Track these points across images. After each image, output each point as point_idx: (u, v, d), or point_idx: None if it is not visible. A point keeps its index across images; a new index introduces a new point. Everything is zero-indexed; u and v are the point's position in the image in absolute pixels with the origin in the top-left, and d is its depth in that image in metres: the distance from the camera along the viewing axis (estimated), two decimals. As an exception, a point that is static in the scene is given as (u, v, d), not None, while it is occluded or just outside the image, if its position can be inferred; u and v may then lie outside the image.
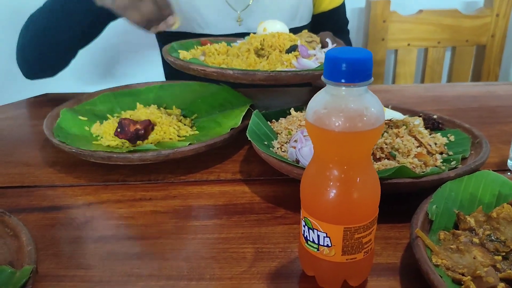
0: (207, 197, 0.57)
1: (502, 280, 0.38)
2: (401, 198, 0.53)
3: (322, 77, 0.36)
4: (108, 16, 0.95)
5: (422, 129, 0.63)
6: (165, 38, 1.04)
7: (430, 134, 0.64)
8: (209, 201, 0.57)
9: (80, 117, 0.73)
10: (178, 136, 0.70)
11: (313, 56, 0.77)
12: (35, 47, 0.96)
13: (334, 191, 0.37)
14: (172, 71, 0.75)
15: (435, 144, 0.61)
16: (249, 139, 0.60)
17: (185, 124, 0.74)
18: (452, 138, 0.64)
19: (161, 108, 0.78)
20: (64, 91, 1.02)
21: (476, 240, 0.44)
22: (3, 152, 0.71)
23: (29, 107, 0.92)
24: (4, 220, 0.46)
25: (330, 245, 0.38)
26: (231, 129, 0.66)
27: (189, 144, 0.62)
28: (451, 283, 0.39)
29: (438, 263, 0.41)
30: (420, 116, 0.68)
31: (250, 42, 0.79)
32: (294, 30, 0.90)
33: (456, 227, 0.46)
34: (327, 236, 0.38)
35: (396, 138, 0.58)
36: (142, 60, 1.52)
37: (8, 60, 1.04)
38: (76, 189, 0.60)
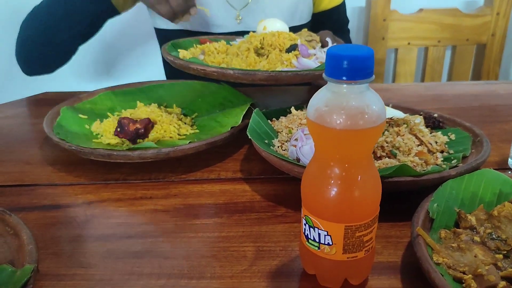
0: (207, 196, 0.57)
1: (503, 278, 0.38)
2: (402, 196, 0.53)
3: (324, 75, 0.35)
4: (108, 13, 0.95)
5: (422, 127, 0.63)
6: (164, 36, 1.04)
7: (430, 133, 0.64)
8: (210, 200, 0.57)
9: (81, 115, 0.73)
10: (179, 134, 0.70)
11: (313, 55, 0.77)
12: (35, 45, 0.96)
13: (335, 189, 0.37)
14: (173, 70, 0.75)
15: (436, 142, 0.61)
16: (249, 137, 0.60)
17: (185, 123, 0.74)
18: (452, 136, 0.64)
19: (162, 107, 0.77)
20: (64, 89, 1.02)
21: (477, 238, 0.43)
22: (3, 151, 0.71)
23: (29, 106, 0.92)
24: (5, 218, 0.46)
25: (331, 243, 0.38)
26: (232, 127, 0.66)
27: (190, 142, 0.62)
28: (452, 281, 0.39)
29: (439, 262, 0.41)
30: (420, 115, 0.68)
31: (249, 41, 0.79)
32: (294, 29, 0.90)
33: (457, 225, 0.46)
34: (328, 235, 0.38)
35: (397, 136, 0.58)
36: (142, 59, 1.51)
37: (8, 59, 1.04)
38: (77, 188, 0.60)
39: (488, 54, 1.49)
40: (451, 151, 0.61)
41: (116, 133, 0.65)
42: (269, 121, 0.68)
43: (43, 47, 0.96)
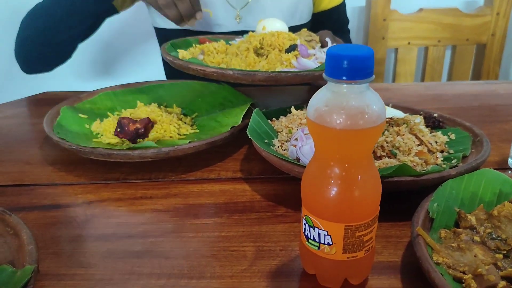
0: (207, 196, 0.57)
1: (503, 278, 0.38)
2: (402, 196, 0.53)
3: (324, 74, 0.35)
4: (108, 13, 0.95)
5: (422, 127, 0.63)
6: (164, 36, 1.04)
7: (430, 133, 0.64)
8: (210, 200, 0.57)
9: (81, 115, 0.73)
10: (179, 134, 0.70)
11: (312, 55, 0.77)
12: (35, 45, 0.96)
13: (335, 189, 0.37)
14: (172, 69, 0.75)
15: (436, 142, 0.61)
16: (249, 137, 0.60)
17: (185, 123, 0.74)
18: (452, 136, 0.64)
19: (162, 107, 0.77)
20: (64, 89, 1.02)
21: (477, 238, 0.43)
22: (3, 151, 0.71)
23: (28, 106, 0.92)
24: (5, 218, 0.46)
25: (331, 243, 0.38)
26: (232, 127, 0.66)
27: (190, 142, 0.62)
28: (452, 281, 0.39)
29: (439, 261, 0.41)
30: (420, 115, 0.68)
31: (249, 41, 0.79)
32: (294, 28, 0.90)
33: (457, 225, 0.46)
34: (328, 234, 0.38)
35: (397, 136, 0.58)
36: (142, 58, 1.51)
37: (8, 59, 1.04)
38: (77, 188, 0.60)
39: (488, 54, 1.49)
40: (451, 151, 0.61)
41: (116, 133, 0.65)
42: (269, 121, 0.68)
43: (42, 46, 0.96)
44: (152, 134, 0.67)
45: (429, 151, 0.59)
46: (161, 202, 0.56)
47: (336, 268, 0.40)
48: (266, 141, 0.62)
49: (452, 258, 0.41)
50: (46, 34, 0.94)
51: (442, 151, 0.61)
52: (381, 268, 0.44)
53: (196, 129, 0.73)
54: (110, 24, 1.01)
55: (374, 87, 0.40)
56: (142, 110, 0.74)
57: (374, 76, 0.35)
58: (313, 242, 0.39)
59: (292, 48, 0.76)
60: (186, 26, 0.88)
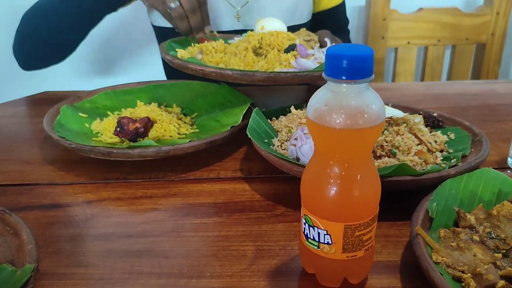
0: (207, 195, 0.57)
1: (502, 277, 0.38)
2: (402, 195, 0.53)
3: (323, 74, 0.36)
4: (107, 12, 0.95)
5: (422, 127, 0.63)
6: (163, 34, 1.04)
7: (430, 132, 0.64)
8: (209, 199, 0.57)
9: (81, 114, 0.73)
10: (178, 134, 0.70)
11: (311, 55, 0.77)
12: (37, 43, 0.96)
13: (335, 188, 0.37)
14: (172, 69, 0.75)
15: (435, 142, 0.61)
16: (249, 137, 0.60)
17: (185, 122, 0.74)
18: (452, 136, 0.65)
19: (162, 107, 0.78)
20: (63, 88, 1.02)
21: (476, 237, 0.44)
22: (2, 150, 0.71)
23: (28, 105, 0.92)
24: (5, 218, 0.46)
25: (330, 242, 0.38)
26: (232, 127, 0.66)
27: (189, 141, 0.62)
28: (452, 280, 0.39)
29: (439, 261, 0.41)
30: (420, 114, 0.68)
31: (248, 40, 0.79)
32: (294, 28, 0.90)
33: (456, 224, 0.46)
34: (327, 234, 0.38)
35: (397, 136, 0.58)
36: (142, 57, 1.51)
37: (7, 58, 1.04)
38: (76, 187, 0.60)
39: (488, 53, 1.49)
40: (451, 150, 0.61)
41: (116, 133, 0.65)
42: (268, 120, 0.68)
43: (45, 44, 0.96)
44: (152, 133, 0.67)
45: (429, 150, 0.59)
46: (161, 201, 0.56)
47: (335, 268, 0.40)
48: (266, 140, 0.62)
49: (451, 258, 0.41)
50: (49, 33, 0.94)
51: (441, 151, 0.61)
52: (380, 268, 0.44)
53: (196, 128, 0.73)
54: (109, 23, 1.01)
55: (373, 86, 0.40)
56: (142, 110, 0.74)
57: (373, 75, 0.35)
58: (312, 242, 0.39)
59: (291, 48, 0.76)
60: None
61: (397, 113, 0.64)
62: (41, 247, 0.46)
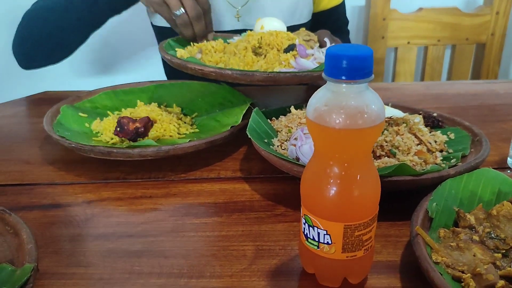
0: (207, 195, 0.57)
1: (502, 277, 0.38)
2: (401, 195, 0.53)
3: (323, 74, 0.36)
4: (111, 15, 0.95)
5: (422, 127, 0.63)
6: (163, 33, 1.04)
7: (430, 132, 0.64)
8: (209, 199, 0.57)
9: (81, 114, 0.73)
10: (178, 133, 0.70)
11: (311, 55, 0.76)
12: (39, 43, 0.96)
13: (335, 188, 0.37)
14: (172, 69, 0.75)
15: (435, 142, 0.61)
16: (249, 137, 0.60)
17: (185, 122, 0.74)
18: (452, 136, 0.65)
19: (162, 106, 0.78)
20: (63, 88, 1.02)
21: (476, 237, 0.44)
22: (2, 150, 0.71)
23: (28, 105, 0.92)
24: (5, 218, 0.46)
25: (330, 242, 0.38)
26: (231, 126, 0.66)
27: (189, 141, 0.62)
28: (451, 280, 0.39)
29: (438, 261, 0.41)
30: (420, 114, 0.68)
31: (247, 40, 0.79)
32: (294, 28, 0.89)
33: (456, 224, 0.46)
34: (327, 234, 0.38)
35: (396, 135, 0.59)
36: (142, 57, 1.51)
37: (7, 58, 1.04)
38: (76, 187, 0.60)
39: (488, 53, 1.49)
40: (451, 150, 0.61)
41: (116, 133, 0.65)
42: (268, 120, 0.68)
43: (47, 45, 0.96)
44: (152, 133, 0.67)
45: (429, 150, 0.59)
46: (160, 201, 0.56)
47: (335, 268, 0.40)
48: (266, 140, 0.62)
49: (451, 258, 0.41)
50: (51, 34, 0.94)
51: (441, 151, 0.61)
52: (380, 268, 0.44)
53: (196, 128, 0.73)
54: (109, 23, 1.01)
55: (373, 86, 0.40)
56: (142, 110, 0.74)
57: (373, 76, 0.35)
58: (312, 242, 0.39)
59: (290, 47, 0.76)
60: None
61: (397, 113, 0.64)
62: (41, 247, 0.46)
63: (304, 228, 0.40)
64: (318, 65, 0.74)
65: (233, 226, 0.51)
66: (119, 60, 1.54)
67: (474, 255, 0.41)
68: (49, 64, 1.01)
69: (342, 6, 1.15)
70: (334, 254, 0.38)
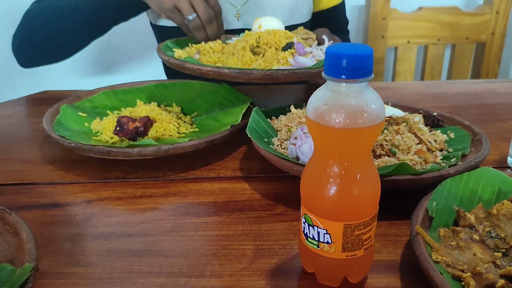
0: (207, 194, 0.57)
1: (502, 276, 0.38)
2: (401, 195, 0.53)
3: (323, 73, 0.35)
4: (118, 22, 0.96)
5: (422, 126, 0.63)
6: (162, 33, 1.04)
7: (430, 131, 0.64)
8: (209, 198, 0.57)
9: (80, 113, 0.73)
10: (178, 133, 0.70)
11: (309, 53, 0.76)
12: (41, 44, 0.95)
13: (334, 187, 0.37)
14: (172, 69, 0.75)
15: (435, 141, 0.61)
16: (249, 136, 0.60)
17: (185, 122, 0.74)
18: (452, 135, 0.65)
19: (161, 106, 0.78)
20: (63, 87, 1.02)
21: (476, 236, 0.44)
22: (2, 150, 0.71)
23: (27, 105, 0.91)
24: (4, 217, 0.46)
25: (330, 241, 0.38)
26: (231, 126, 0.66)
27: (189, 140, 0.62)
28: (451, 279, 0.39)
29: (438, 260, 0.41)
30: (420, 113, 0.68)
31: (245, 39, 0.79)
32: (293, 27, 0.89)
33: (456, 224, 0.46)
34: (327, 233, 0.38)
35: (396, 135, 0.58)
36: (142, 57, 1.51)
37: (7, 58, 1.04)
38: (76, 186, 0.60)
39: (488, 52, 1.49)
40: (450, 150, 0.61)
41: (116, 132, 0.65)
42: (268, 119, 0.68)
43: (48, 45, 0.96)
44: (152, 132, 0.67)
45: (428, 149, 0.59)
46: (160, 200, 0.56)
47: (335, 267, 0.40)
48: (266, 140, 0.62)
49: (451, 257, 0.41)
50: (53, 35, 0.94)
51: (441, 150, 0.61)
52: (380, 267, 0.44)
53: (195, 128, 0.73)
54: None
55: (373, 86, 0.40)
56: (142, 109, 0.74)
57: (373, 75, 0.35)
58: (312, 241, 0.39)
59: (288, 46, 0.76)
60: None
61: (397, 112, 0.64)
62: (40, 246, 0.46)
63: (304, 228, 0.40)
64: (316, 62, 0.74)
65: (233, 226, 0.51)
66: (119, 60, 1.54)
67: (474, 254, 0.41)
68: (48, 64, 1.01)
69: (342, 6, 1.14)
70: (334, 253, 0.38)
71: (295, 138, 0.59)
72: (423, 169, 0.54)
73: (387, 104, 0.70)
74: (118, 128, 0.65)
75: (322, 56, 0.75)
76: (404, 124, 0.61)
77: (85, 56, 1.46)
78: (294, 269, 0.44)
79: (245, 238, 0.49)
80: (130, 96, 0.81)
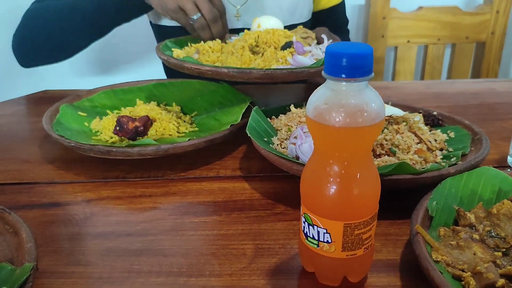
0: (206, 194, 0.57)
1: (502, 276, 0.38)
2: (401, 194, 0.53)
3: (323, 72, 0.35)
4: (121, 23, 0.96)
5: (422, 125, 0.63)
6: (162, 32, 1.04)
7: (430, 131, 0.64)
8: (209, 198, 0.57)
9: (80, 113, 0.73)
10: (178, 132, 0.70)
11: (308, 52, 0.76)
12: (42, 45, 0.95)
13: (334, 187, 0.37)
14: (172, 69, 0.75)
15: (435, 140, 0.61)
16: (249, 135, 0.59)
17: (184, 121, 0.74)
18: (452, 134, 0.64)
19: (161, 105, 0.77)
20: (63, 87, 1.02)
21: (476, 236, 0.44)
22: (2, 149, 0.71)
23: (27, 104, 0.91)
24: (4, 217, 0.46)
25: (330, 241, 0.38)
26: (231, 125, 0.66)
27: (189, 139, 0.62)
28: (451, 279, 0.39)
29: (438, 259, 0.41)
30: (420, 113, 0.68)
31: (244, 39, 0.79)
32: (293, 27, 0.89)
33: (456, 223, 0.46)
34: (327, 232, 0.38)
35: (396, 134, 0.58)
36: (142, 57, 1.51)
37: (7, 57, 1.04)
38: (76, 186, 0.60)
39: (488, 52, 1.49)
40: (451, 149, 0.61)
41: (116, 132, 0.65)
42: (268, 119, 0.68)
43: (49, 45, 0.95)
44: (152, 132, 0.67)
45: (428, 149, 0.59)
46: (160, 200, 0.56)
47: (335, 266, 0.40)
48: (266, 139, 0.62)
49: (451, 256, 0.41)
50: (53, 36, 0.94)
51: (441, 149, 0.61)
52: (380, 266, 0.44)
53: (195, 127, 0.73)
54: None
55: (373, 85, 0.40)
56: (142, 108, 0.73)
57: (373, 74, 0.35)
58: (312, 240, 0.39)
59: (287, 45, 0.76)
60: None
61: (397, 112, 0.64)
62: (40, 246, 0.46)
63: (303, 227, 0.40)
64: (315, 61, 0.74)
65: (232, 225, 0.51)
66: (119, 60, 1.54)
67: (474, 254, 0.41)
68: (48, 64, 1.01)
69: (341, 5, 1.14)
70: (334, 252, 0.38)
71: (295, 137, 0.58)
72: (423, 168, 0.54)
73: (387, 104, 0.70)
74: (117, 128, 0.64)
75: (321, 55, 0.75)
76: (404, 123, 0.61)
77: (85, 56, 1.45)
78: (294, 269, 0.44)
79: (245, 237, 0.49)
80: (130, 96, 0.81)
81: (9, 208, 0.47)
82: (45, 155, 0.68)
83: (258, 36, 0.78)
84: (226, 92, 0.80)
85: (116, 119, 0.66)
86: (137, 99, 0.79)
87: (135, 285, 0.42)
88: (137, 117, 0.66)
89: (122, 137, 0.65)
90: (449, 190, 0.49)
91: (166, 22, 1.02)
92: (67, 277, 0.43)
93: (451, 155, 0.58)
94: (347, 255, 0.38)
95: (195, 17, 0.81)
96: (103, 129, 0.68)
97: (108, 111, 0.76)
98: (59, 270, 0.44)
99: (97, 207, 0.55)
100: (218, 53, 0.80)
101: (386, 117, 0.61)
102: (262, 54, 0.76)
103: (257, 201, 0.56)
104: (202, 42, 0.85)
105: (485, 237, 0.43)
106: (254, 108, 0.66)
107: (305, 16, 1.08)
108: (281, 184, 0.59)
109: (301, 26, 0.87)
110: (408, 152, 0.57)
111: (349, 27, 1.21)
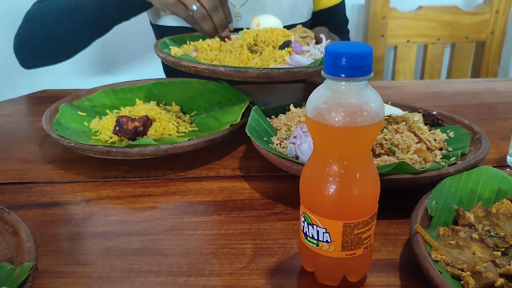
0: (206, 193, 0.57)
1: (501, 275, 0.38)
2: (401, 194, 0.53)
3: (322, 72, 0.35)
4: (120, 21, 0.96)
5: (421, 125, 0.63)
6: (162, 32, 1.04)
7: (429, 130, 0.64)
8: (208, 197, 0.57)
9: (79, 113, 0.73)
10: (178, 132, 0.70)
11: (306, 52, 0.76)
12: (42, 46, 0.95)
13: (334, 186, 0.37)
14: (171, 68, 0.75)
15: (435, 140, 0.61)
16: (248, 135, 0.59)
17: (184, 121, 0.74)
18: (451, 134, 0.65)
19: (161, 105, 0.77)
20: (62, 86, 1.01)
21: (475, 235, 0.44)
22: (1, 149, 0.71)
23: (27, 104, 0.91)
24: (3, 216, 0.46)
25: (329, 240, 0.38)
26: (231, 125, 0.66)
27: (189, 139, 0.62)
28: (451, 278, 0.39)
29: (438, 259, 0.41)
30: (419, 112, 0.68)
31: (243, 37, 0.79)
32: (293, 27, 0.89)
33: (455, 223, 0.46)
34: (326, 232, 0.38)
35: (396, 134, 0.58)
36: (141, 56, 1.51)
37: (7, 57, 1.04)
38: (75, 186, 0.60)
39: (487, 51, 1.49)
40: (450, 149, 0.61)
41: (115, 132, 0.65)
42: (268, 118, 0.68)
43: (49, 46, 0.95)
44: (151, 132, 0.67)
45: (428, 149, 0.59)
46: (159, 200, 0.56)
47: (334, 266, 0.40)
48: (265, 139, 0.62)
49: (450, 256, 0.41)
50: (53, 36, 0.94)
51: (441, 149, 0.61)
52: (379, 266, 0.44)
53: (195, 127, 0.73)
54: (109, 22, 1.01)
55: (373, 84, 0.40)
56: (141, 108, 0.73)
57: (372, 73, 0.35)
58: (311, 240, 0.39)
59: (286, 44, 0.75)
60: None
61: (397, 111, 0.64)
62: (40, 245, 0.46)
63: (303, 227, 0.40)
64: (313, 61, 0.73)
65: (232, 225, 0.51)
66: (119, 59, 1.54)
67: (473, 253, 0.41)
68: (50, 64, 1.01)
69: (341, 5, 1.14)
70: (333, 252, 0.38)
71: (295, 137, 0.58)
72: (423, 168, 0.54)
73: (387, 103, 0.70)
74: (117, 128, 0.64)
75: (319, 55, 0.75)
76: (404, 123, 0.61)
77: (85, 56, 1.45)
78: (294, 268, 0.44)
79: (244, 237, 0.49)
80: (130, 95, 0.81)
81: (9, 207, 0.47)
82: (45, 155, 0.68)
83: (256, 35, 0.77)
84: (226, 91, 0.80)
85: (115, 119, 0.66)
86: (137, 99, 0.79)
87: (134, 284, 0.42)
88: (137, 117, 0.66)
89: (122, 137, 0.65)
90: (449, 189, 0.49)
91: (166, 21, 1.02)
92: (67, 276, 0.43)
93: (451, 155, 0.58)
94: (346, 255, 0.38)
95: (194, 7, 0.79)
96: (103, 129, 0.68)
97: (107, 111, 0.76)
98: (58, 270, 0.44)
99: (96, 207, 0.55)
100: (217, 51, 0.80)
101: (386, 117, 0.61)
102: (261, 53, 0.76)
103: (256, 200, 0.56)
104: (200, 40, 0.85)
105: (484, 237, 0.43)
106: (254, 107, 0.66)
107: (305, 16, 1.08)
108: (281, 184, 0.59)
109: (300, 26, 0.87)
110: (407, 152, 0.57)
111: (349, 26, 1.21)
